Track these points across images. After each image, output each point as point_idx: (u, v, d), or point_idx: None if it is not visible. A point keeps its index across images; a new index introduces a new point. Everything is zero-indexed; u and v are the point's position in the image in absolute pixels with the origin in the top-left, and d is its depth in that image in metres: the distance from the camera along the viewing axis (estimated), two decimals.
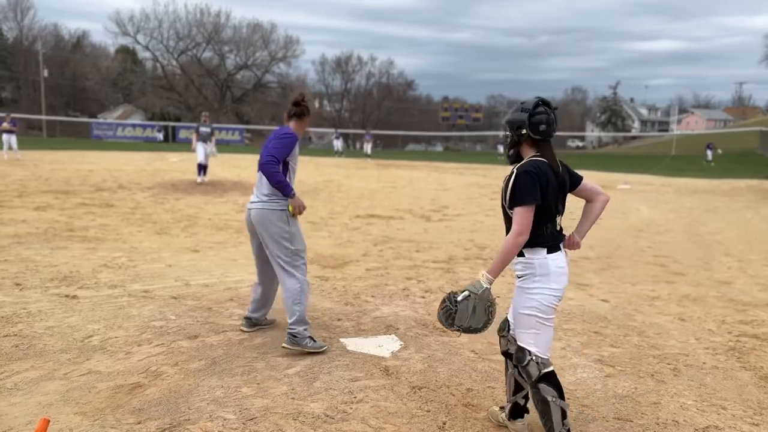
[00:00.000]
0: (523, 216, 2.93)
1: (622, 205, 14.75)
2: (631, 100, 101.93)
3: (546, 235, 3.01)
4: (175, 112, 62.91)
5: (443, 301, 3.04)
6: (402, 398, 3.66)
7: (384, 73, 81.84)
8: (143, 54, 68.97)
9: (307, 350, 4.29)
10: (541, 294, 2.98)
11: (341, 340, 4.63)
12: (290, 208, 4.27)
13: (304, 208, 4.36)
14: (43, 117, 54.41)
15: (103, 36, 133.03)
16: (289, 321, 4.32)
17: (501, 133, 63.13)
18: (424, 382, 3.90)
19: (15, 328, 4.56)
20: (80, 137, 50.99)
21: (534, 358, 3.02)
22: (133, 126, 54.03)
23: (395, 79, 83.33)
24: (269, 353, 4.31)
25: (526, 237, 2.95)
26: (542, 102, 3.09)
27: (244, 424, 3.26)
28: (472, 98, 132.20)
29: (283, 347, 4.32)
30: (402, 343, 4.63)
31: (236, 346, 4.41)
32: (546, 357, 3.03)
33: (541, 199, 2.96)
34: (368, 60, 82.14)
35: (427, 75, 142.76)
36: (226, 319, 4.98)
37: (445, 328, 3.27)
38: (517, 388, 3.27)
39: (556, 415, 2.96)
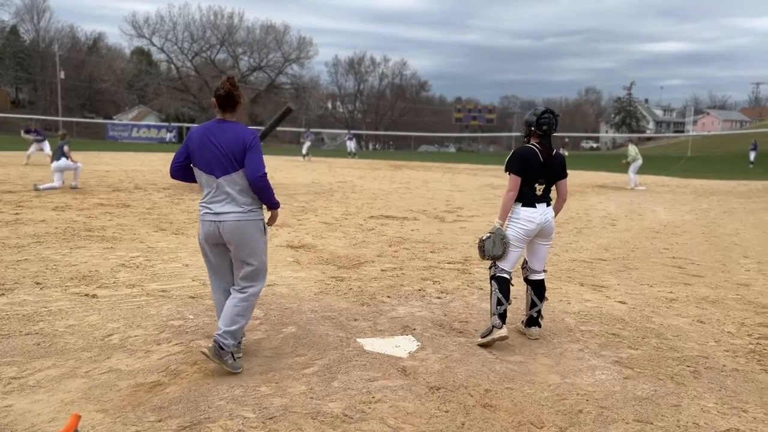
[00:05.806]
0: (510, 180, 4.55)
1: (638, 207, 14.65)
2: (646, 101, 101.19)
3: (524, 194, 4.53)
4: (190, 113, 63.35)
5: (479, 244, 4.64)
6: (420, 398, 3.66)
7: (397, 74, 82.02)
8: (158, 56, 69.68)
9: (225, 367, 3.87)
10: (511, 227, 4.59)
11: (358, 340, 4.64)
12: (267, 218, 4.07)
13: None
14: (60, 118, 54.97)
15: (119, 38, 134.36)
16: (229, 327, 3.87)
17: (518, 134, 63.07)
18: (441, 383, 3.90)
19: (36, 327, 4.62)
20: (96, 138, 51.50)
21: (496, 265, 4.61)
22: (148, 127, 54.52)
23: (408, 80, 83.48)
24: (287, 353, 4.33)
25: (513, 193, 4.52)
26: (548, 110, 4.59)
27: (263, 422, 3.28)
28: (485, 99, 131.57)
29: (203, 353, 3.87)
30: (419, 343, 4.63)
31: (254, 345, 4.43)
32: (503, 267, 4.59)
33: (521, 171, 4.49)
34: (381, 61, 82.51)
35: (439, 76, 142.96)
36: None
37: (483, 261, 5.04)
38: (532, 304, 4.81)
39: (493, 300, 4.55)
